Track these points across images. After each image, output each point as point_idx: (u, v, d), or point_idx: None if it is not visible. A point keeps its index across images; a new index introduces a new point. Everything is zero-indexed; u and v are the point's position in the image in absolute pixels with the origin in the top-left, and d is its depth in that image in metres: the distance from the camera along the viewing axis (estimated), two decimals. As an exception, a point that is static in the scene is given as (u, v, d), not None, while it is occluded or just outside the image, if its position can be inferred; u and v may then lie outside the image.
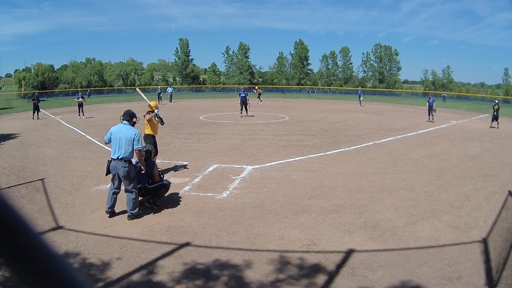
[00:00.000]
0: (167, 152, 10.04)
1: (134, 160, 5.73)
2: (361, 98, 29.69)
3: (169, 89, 34.37)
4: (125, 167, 5.41)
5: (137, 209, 5.54)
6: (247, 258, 4.30)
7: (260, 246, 4.64)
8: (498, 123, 16.82)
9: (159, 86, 34.90)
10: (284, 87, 58.91)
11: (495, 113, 16.75)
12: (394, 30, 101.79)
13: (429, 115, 19.26)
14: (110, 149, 5.67)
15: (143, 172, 5.83)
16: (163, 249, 4.54)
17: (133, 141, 5.48)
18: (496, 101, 17.80)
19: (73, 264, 4.05)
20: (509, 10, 79.45)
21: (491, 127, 16.88)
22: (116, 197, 5.63)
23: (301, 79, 62.95)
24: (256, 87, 29.86)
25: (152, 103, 7.76)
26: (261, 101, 28.88)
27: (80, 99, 19.58)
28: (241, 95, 19.01)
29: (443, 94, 40.70)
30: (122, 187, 5.59)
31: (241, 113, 19.16)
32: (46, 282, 0.36)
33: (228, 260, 4.25)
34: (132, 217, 5.45)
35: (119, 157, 5.41)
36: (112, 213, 5.60)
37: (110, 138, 5.56)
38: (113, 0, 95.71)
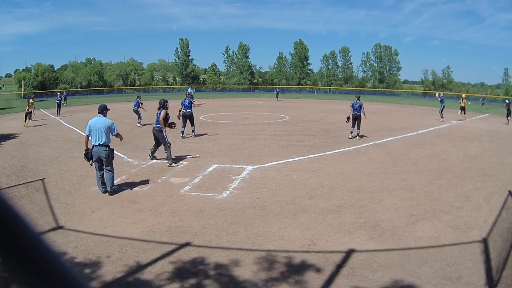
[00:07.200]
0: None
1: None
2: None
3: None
4: (106, 150, 6.44)
5: (116, 185, 6.75)
6: (247, 258, 4.30)
7: (260, 246, 4.64)
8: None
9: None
10: (284, 87, 58.88)
11: (482, 101, 19.03)
12: (395, 30, 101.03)
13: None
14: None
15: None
16: (163, 249, 4.54)
17: (111, 128, 6.55)
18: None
19: (73, 264, 4.06)
20: (510, 10, 79.54)
21: (506, 123, 18.40)
22: (104, 175, 6.51)
23: (301, 79, 62.92)
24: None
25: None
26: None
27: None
28: (184, 103, 12.35)
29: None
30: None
31: (182, 132, 12.46)
32: (46, 282, 0.36)
33: (228, 260, 4.25)
34: (112, 193, 6.49)
35: (100, 143, 6.40)
36: (111, 192, 6.47)
37: (90, 130, 6.47)
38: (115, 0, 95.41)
